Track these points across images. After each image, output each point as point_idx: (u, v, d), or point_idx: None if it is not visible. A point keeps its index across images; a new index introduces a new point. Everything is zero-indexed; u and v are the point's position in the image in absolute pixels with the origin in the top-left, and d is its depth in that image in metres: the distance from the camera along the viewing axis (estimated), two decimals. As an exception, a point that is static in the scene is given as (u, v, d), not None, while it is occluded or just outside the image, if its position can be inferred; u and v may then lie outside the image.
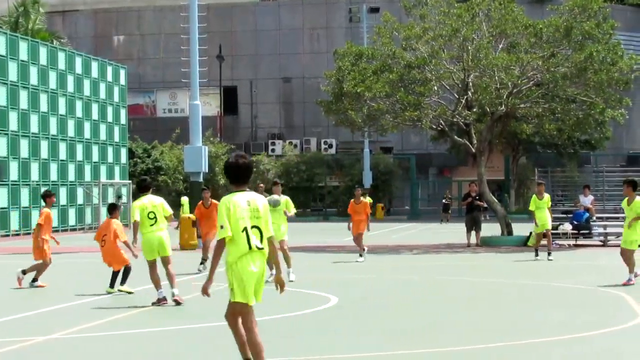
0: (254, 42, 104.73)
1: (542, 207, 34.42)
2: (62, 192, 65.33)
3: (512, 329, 18.82)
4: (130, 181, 74.14)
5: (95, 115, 71.07)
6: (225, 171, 12.90)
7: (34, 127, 62.51)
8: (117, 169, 74.28)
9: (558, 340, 17.14)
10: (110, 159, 73.39)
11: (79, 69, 69.46)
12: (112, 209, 26.14)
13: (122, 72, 76.91)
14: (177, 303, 21.65)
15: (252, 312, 12.54)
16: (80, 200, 68.05)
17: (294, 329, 19.30)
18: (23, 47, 62.79)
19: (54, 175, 64.49)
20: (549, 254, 34.32)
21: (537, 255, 34.71)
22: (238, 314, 12.50)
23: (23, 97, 61.35)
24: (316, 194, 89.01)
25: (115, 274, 24.65)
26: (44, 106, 63.58)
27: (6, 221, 58.96)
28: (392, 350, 16.36)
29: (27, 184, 61.35)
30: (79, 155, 68.28)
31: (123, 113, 76.38)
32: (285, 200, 27.13)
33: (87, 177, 68.81)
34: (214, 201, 29.31)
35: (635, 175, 40.66)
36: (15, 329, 19.10)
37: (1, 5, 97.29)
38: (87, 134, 69.58)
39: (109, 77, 74.21)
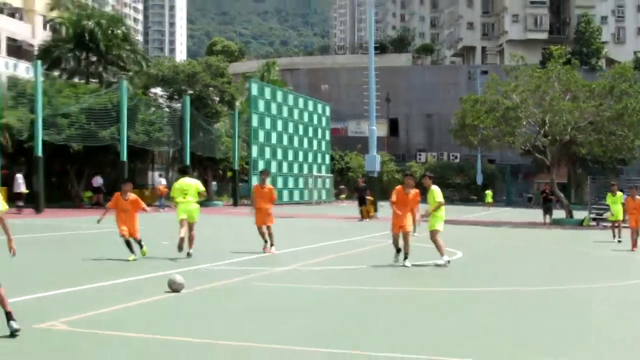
0: (409, 91, 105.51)
1: (616, 202, 30.15)
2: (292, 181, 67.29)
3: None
4: (331, 175, 75.62)
5: (311, 133, 72.43)
6: None
7: (274, 139, 63.78)
8: (323, 167, 75.46)
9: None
10: (319, 160, 74.51)
11: (301, 105, 70.74)
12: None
13: (327, 108, 78.21)
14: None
15: None
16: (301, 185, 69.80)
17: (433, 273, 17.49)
18: (267, 91, 64.03)
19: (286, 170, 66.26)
20: (619, 237, 28.85)
21: (615, 237, 29.34)
22: None
23: (267, 121, 62.58)
24: (446, 186, 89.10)
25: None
26: (279, 127, 64.94)
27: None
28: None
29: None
30: (300, 158, 69.71)
31: (327, 133, 77.55)
32: (432, 189, 18.50)
33: (305, 171, 70.43)
34: (269, 185, 21.04)
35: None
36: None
37: (252, 64, 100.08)
38: (305, 144, 71.10)
39: (319, 111, 75.54)
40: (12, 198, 39.99)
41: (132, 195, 18.55)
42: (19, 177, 42.23)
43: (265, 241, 20.72)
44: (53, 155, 45.79)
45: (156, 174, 62.09)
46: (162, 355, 8.60)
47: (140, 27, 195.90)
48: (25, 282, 13.62)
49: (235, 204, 60.41)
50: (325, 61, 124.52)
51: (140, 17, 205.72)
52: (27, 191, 41.79)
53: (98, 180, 51.53)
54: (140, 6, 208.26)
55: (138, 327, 9.85)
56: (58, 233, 27.16)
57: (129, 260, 17.49)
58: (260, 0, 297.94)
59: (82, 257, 18.40)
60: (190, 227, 18.71)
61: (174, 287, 12.44)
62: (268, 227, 20.68)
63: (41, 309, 10.95)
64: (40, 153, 40.59)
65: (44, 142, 41.48)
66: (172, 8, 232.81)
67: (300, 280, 15.48)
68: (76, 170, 51.91)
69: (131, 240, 18.10)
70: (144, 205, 18.82)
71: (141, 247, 18.43)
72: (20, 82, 52.10)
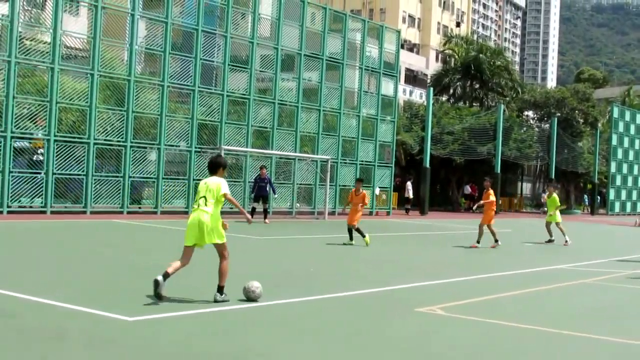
0: None
1: None
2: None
3: None
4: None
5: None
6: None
7: (631, 156, 58.73)
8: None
9: None
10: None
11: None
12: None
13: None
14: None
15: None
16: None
17: None
18: (627, 114, 59.45)
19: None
20: None
21: None
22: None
23: (626, 140, 58.15)
24: None
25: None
26: (636, 146, 59.97)
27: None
28: None
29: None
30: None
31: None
32: None
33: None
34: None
35: None
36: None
37: (615, 90, 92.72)
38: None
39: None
40: (402, 202, 42.95)
41: (362, 192, 18.64)
42: (409, 185, 42.74)
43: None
44: (438, 166, 46.44)
45: (525, 185, 60.05)
46: (517, 342, 7.87)
47: (517, 58, 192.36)
48: (412, 272, 13.92)
49: (592, 212, 56.52)
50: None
51: (517, 49, 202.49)
52: (412, 197, 41.93)
53: (467, 189, 51.58)
54: (517, 40, 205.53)
55: (504, 315, 9.30)
56: (436, 232, 26.38)
57: (344, 244, 18.09)
58: (624, 33, 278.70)
59: (457, 253, 18.00)
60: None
61: (251, 297, 8.90)
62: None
63: (425, 295, 10.78)
64: (427, 165, 40.42)
65: (431, 155, 41.54)
66: (545, 42, 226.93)
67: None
68: (457, 180, 51.44)
69: (351, 228, 18.29)
70: (366, 201, 18.76)
71: (363, 236, 18.22)
72: (414, 105, 52.97)
